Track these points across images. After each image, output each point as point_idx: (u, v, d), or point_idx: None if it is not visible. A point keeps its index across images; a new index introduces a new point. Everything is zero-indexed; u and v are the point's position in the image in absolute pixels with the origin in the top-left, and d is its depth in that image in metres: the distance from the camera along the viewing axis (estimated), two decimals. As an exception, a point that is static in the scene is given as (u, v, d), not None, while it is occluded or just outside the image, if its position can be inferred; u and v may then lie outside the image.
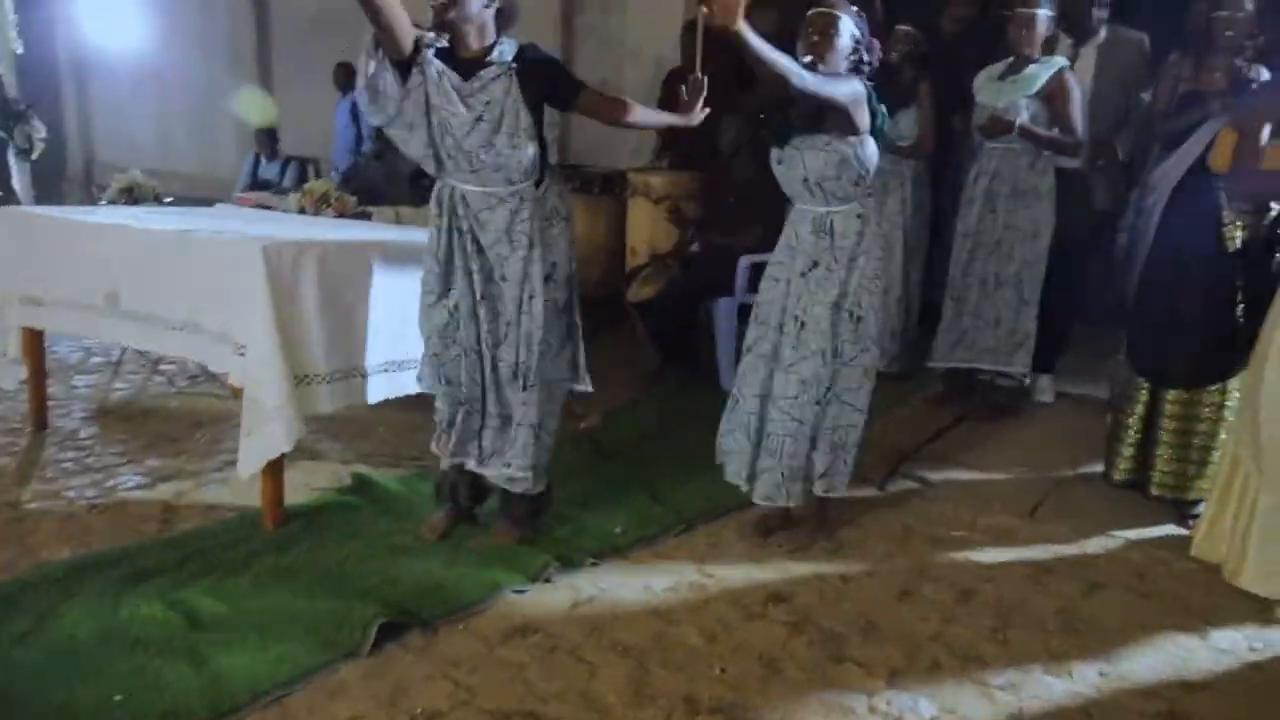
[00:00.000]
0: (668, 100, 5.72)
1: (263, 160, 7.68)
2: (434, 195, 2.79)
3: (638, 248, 5.19)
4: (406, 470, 3.58)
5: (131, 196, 5.81)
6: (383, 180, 6.02)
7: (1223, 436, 3.07)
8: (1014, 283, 4.00)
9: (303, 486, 3.34)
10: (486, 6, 2.61)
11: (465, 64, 2.63)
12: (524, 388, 2.78)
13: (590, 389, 3.02)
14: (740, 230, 4.45)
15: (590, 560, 2.87)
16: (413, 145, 2.67)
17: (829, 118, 2.73)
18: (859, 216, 2.83)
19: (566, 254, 2.83)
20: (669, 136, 5.55)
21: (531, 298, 2.73)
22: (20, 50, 6.13)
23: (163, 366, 4.80)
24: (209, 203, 6.39)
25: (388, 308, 3.11)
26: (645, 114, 2.98)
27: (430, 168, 2.73)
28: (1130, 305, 3.24)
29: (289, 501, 3.12)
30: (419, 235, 3.28)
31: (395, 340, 3.15)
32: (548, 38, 6.57)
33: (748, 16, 2.29)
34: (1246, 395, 2.84)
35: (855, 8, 2.82)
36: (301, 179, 7.41)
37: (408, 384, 3.21)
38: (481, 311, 2.76)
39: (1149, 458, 3.17)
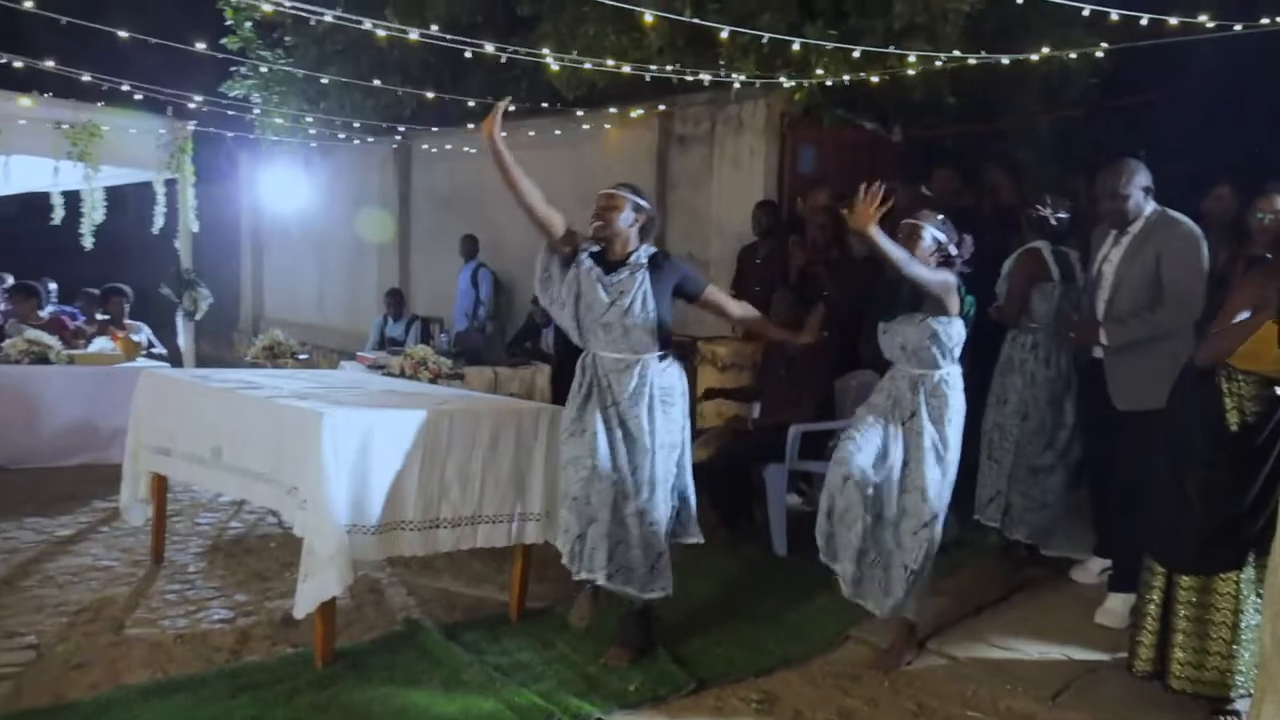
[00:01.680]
0: (742, 270, 6.13)
1: (390, 319, 8.50)
2: (579, 360, 3.54)
3: (705, 412, 5.47)
4: (460, 617, 3.87)
5: (272, 353, 6.63)
6: (483, 345, 6.61)
7: (1247, 626, 2.98)
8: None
9: (363, 627, 3.69)
10: (630, 226, 3.47)
11: (612, 264, 3.48)
12: (642, 523, 3.38)
13: (700, 539, 3.67)
14: (793, 402, 4.68)
15: (597, 717, 3.04)
16: (563, 318, 3.54)
17: (926, 300, 3.37)
18: (945, 381, 3.43)
19: (680, 423, 3.52)
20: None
21: (649, 450, 3.39)
22: (196, 229, 7.16)
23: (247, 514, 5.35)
24: (352, 355, 7.17)
25: (434, 469, 3.47)
26: (763, 326, 3.91)
27: (575, 337, 3.54)
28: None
29: (348, 641, 3.46)
30: (482, 401, 3.74)
31: (444, 497, 3.50)
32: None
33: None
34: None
35: (941, 216, 3.53)
36: (425, 337, 8.15)
37: (461, 539, 3.55)
38: (616, 447, 3.40)
39: (1168, 648, 3.10)
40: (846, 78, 6.05)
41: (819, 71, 6.07)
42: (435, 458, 3.47)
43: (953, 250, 3.47)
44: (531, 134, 8.17)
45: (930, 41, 5.96)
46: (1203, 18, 4.35)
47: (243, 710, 2.98)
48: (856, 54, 5.72)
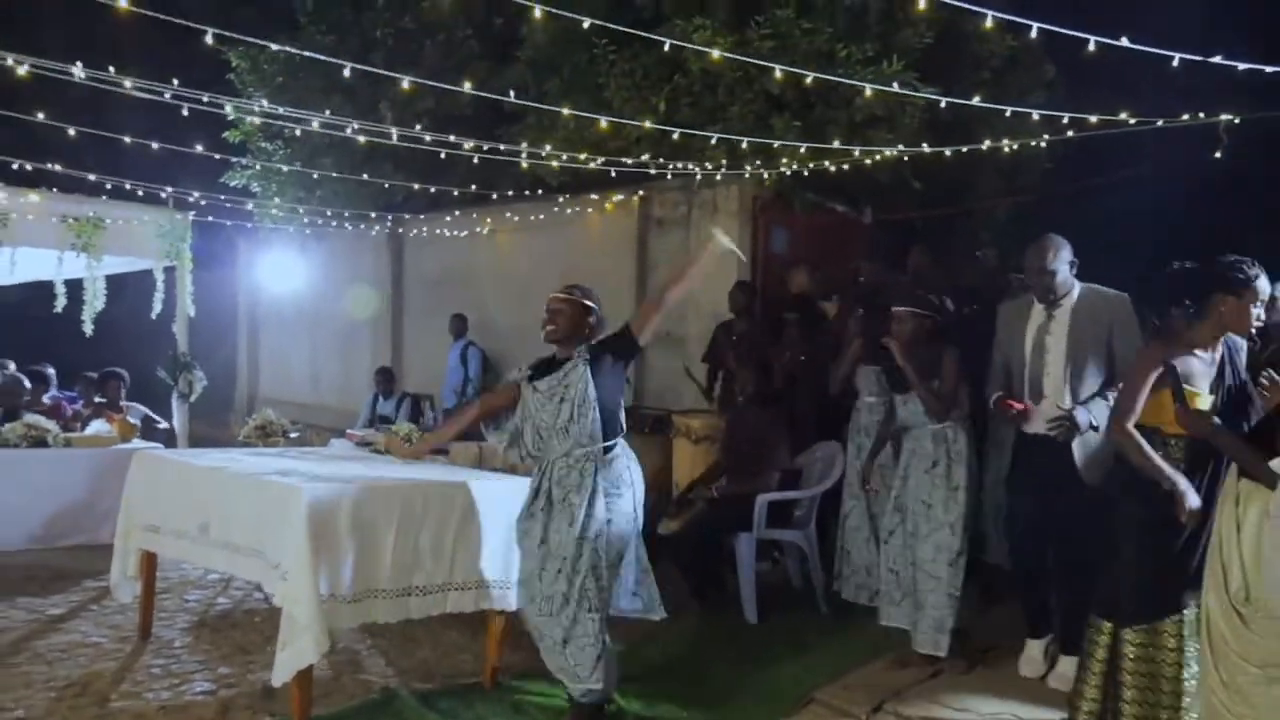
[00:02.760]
0: (716, 343, 6.40)
1: (380, 397, 8.72)
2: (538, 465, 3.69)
3: (681, 483, 5.65)
4: (436, 685, 3.99)
5: (264, 432, 6.82)
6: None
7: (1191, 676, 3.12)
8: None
9: (341, 696, 3.82)
10: (578, 329, 3.61)
11: (558, 364, 3.62)
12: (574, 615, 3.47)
13: (663, 615, 3.78)
14: (758, 473, 4.87)
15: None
16: (526, 436, 3.67)
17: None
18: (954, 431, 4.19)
19: (629, 512, 3.61)
20: (712, 383, 6.14)
21: (584, 540, 3.46)
22: (193, 313, 7.44)
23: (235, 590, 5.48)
24: (342, 433, 7.36)
25: (408, 540, 3.65)
26: (667, 285, 3.82)
27: (537, 452, 3.66)
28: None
29: (326, 709, 3.59)
30: (460, 477, 3.94)
31: (419, 566, 3.67)
32: (624, 293, 7.47)
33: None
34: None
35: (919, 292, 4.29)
36: (415, 415, 8.37)
37: (433, 605, 3.70)
38: (551, 548, 3.51)
39: (1116, 703, 3.22)
40: (811, 165, 6.41)
41: (785, 160, 6.43)
42: (409, 529, 3.65)
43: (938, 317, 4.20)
44: (515, 218, 8.52)
45: (891, 131, 6.33)
46: (1123, 114, 4.71)
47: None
48: (822, 145, 6.08)
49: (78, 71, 5.05)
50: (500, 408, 3.87)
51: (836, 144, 6.12)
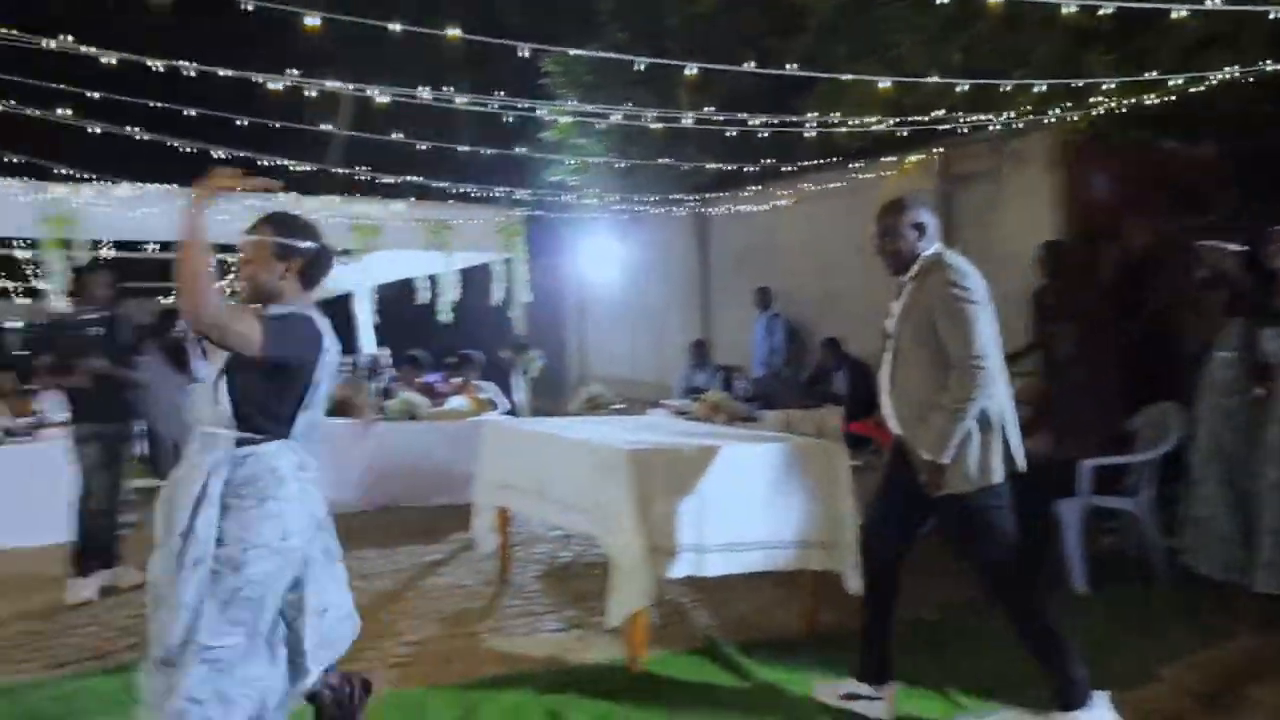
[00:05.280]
0: (1039, 312, 6.01)
1: (694, 369, 9.19)
2: None
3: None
4: (755, 637, 4.25)
5: (592, 404, 7.51)
6: (779, 389, 7.04)
7: None
8: None
9: (669, 642, 4.20)
10: (275, 276, 2.70)
11: None
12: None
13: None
14: (1081, 437, 4.62)
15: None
16: None
17: None
18: None
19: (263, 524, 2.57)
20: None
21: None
22: (529, 299, 8.31)
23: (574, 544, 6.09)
24: (653, 405, 7.92)
25: (729, 499, 3.92)
26: None
27: None
28: None
29: (657, 653, 3.99)
30: (774, 440, 4.16)
31: (733, 525, 3.94)
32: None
33: None
34: None
35: None
36: (726, 385, 8.74)
37: (749, 562, 3.97)
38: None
39: None
40: (1132, 100, 5.86)
41: (1100, 98, 5.93)
42: (731, 488, 3.92)
43: None
44: (813, 188, 8.57)
45: (1233, 50, 5.62)
46: None
47: (572, 702, 3.58)
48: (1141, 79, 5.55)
49: (424, 94, 5.88)
50: None
51: (1155, 75, 5.52)
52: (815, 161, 8.21)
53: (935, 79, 6.06)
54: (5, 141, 6.82)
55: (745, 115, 6.77)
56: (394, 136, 6.89)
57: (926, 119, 6.44)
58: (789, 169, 8.54)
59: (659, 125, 6.87)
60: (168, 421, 6.39)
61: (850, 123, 6.66)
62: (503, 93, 6.67)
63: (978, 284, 3.15)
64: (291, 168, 7.62)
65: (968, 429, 3.07)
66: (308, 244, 2.73)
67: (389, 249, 7.88)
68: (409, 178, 7.95)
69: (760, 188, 9.36)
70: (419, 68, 9.51)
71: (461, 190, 8.37)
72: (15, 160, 6.78)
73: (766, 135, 8.22)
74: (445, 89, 6.40)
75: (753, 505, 3.97)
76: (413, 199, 7.83)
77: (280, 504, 2.56)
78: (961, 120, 6.39)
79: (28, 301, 13.14)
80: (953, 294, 3.09)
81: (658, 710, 3.49)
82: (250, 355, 2.49)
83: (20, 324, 18.12)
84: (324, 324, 2.71)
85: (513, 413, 8.24)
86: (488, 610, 4.83)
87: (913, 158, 7.68)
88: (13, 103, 5.57)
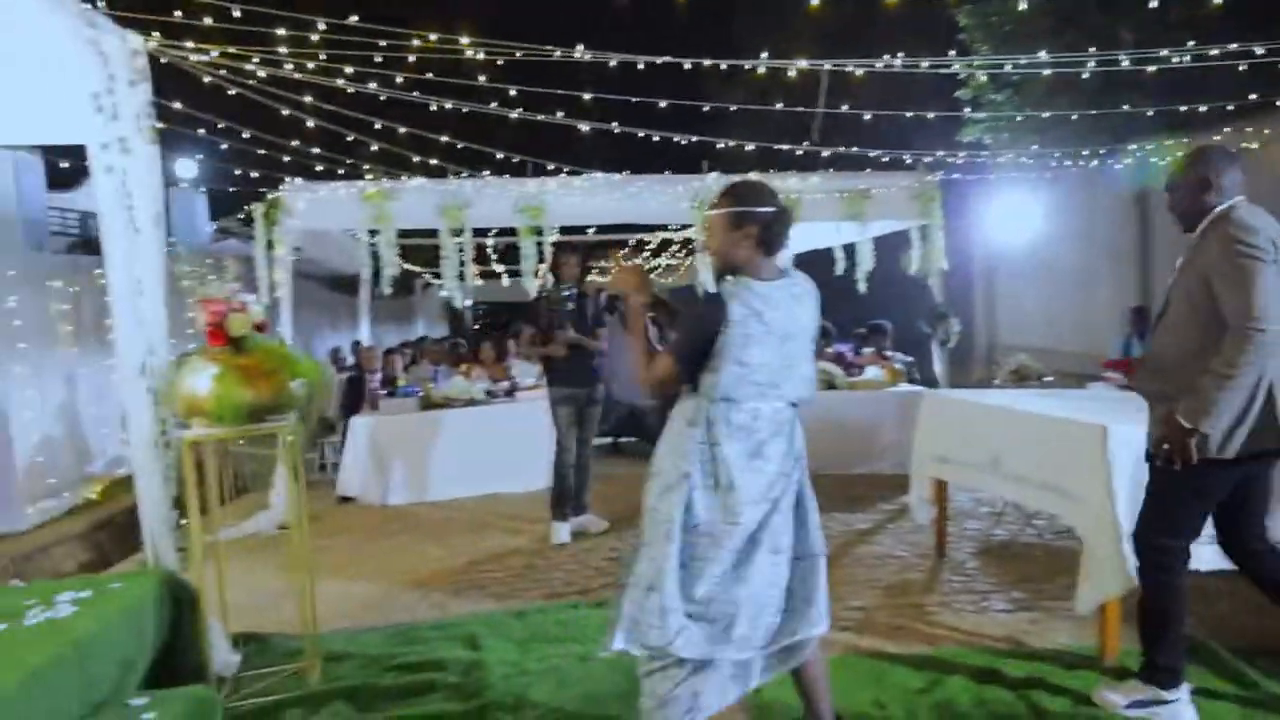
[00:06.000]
0: None
1: (1134, 339, 8.30)
2: None
3: None
4: (1245, 643, 3.79)
5: (1019, 376, 7.11)
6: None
7: None
8: None
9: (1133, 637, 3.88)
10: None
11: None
12: None
13: None
14: None
15: None
16: None
17: None
18: None
19: None
20: None
21: None
22: (946, 267, 8.03)
23: (1035, 521, 5.78)
24: (1084, 377, 7.33)
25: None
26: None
27: None
28: None
29: (1129, 645, 3.70)
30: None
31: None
32: None
33: None
34: None
35: None
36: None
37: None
38: None
39: None
40: None
41: None
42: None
43: None
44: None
45: None
46: None
47: (1042, 684, 3.45)
48: None
49: (827, 64, 5.91)
50: None
51: None
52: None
53: None
54: (492, 141, 8.00)
55: (1215, 47, 5.93)
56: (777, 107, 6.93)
57: None
58: (1260, 104, 7.34)
59: (1094, 69, 6.22)
60: (623, 386, 7.10)
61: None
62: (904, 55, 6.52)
63: (1267, 241, 2.89)
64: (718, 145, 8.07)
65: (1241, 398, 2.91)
66: (761, 209, 2.79)
67: (805, 220, 8.03)
68: (838, 149, 8.04)
69: (1222, 132, 8.16)
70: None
71: (874, 157, 8.29)
72: (510, 159, 7.94)
73: (1222, 75, 7.16)
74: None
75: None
76: (830, 170, 7.90)
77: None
78: None
79: (481, 283, 15.20)
80: (1235, 249, 2.90)
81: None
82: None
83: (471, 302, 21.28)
84: (757, 298, 2.72)
85: (927, 384, 8.04)
86: (929, 584, 4.80)
87: None
88: (521, 110, 6.49)
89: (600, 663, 3.76)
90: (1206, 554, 3.52)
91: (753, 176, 7.85)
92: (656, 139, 7.27)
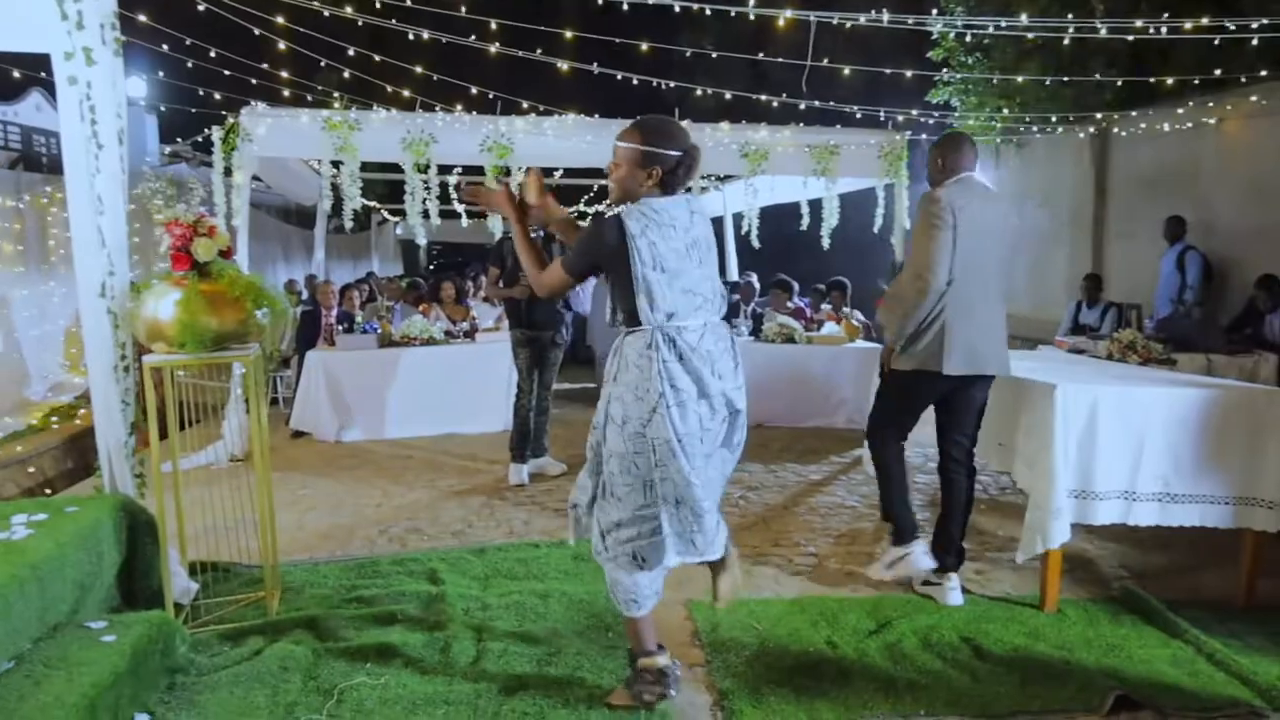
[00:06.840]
0: None
1: (1084, 306, 8.49)
2: None
3: None
4: (1176, 595, 3.97)
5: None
6: (1193, 330, 6.33)
7: None
8: None
9: (1077, 588, 4.05)
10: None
11: None
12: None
13: None
14: None
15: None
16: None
17: None
18: None
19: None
20: None
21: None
22: (909, 226, 8.13)
23: (981, 476, 5.92)
24: (1034, 343, 7.50)
25: (1165, 446, 3.65)
26: None
27: None
28: None
29: (1069, 596, 3.87)
30: (1209, 383, 3.80)
31: (1168, 473, 3.67)
32: None
33: None
34: None
35: None
36: (1119, 324, 8.02)
37: (1183, 516, 3.69)
38: None
39: None
40: None
41: None
42: (1166, 435, 3.65)
43: None
44: (1263, 102, 7.45)
45: None
46: None
47: (985, 631, 3.59)
48: None
49: (812, 16, 5.89)
50: None
51: None
52: (1261, 74, 7.11)
53: None
54: (467, 76, 7.83)
55: (1182, 22, 6.01)
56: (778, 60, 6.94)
57: None
58: (1222, 80, 7.47)
59: (1067, 38, 6.29)
60: (592, 331, 7.10)
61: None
62: (886, 10, 6.52)
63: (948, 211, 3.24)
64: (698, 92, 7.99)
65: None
66: (669, 153, 2.77)
67: (775, 174, 8.03)
68: (813, 102, 8.02)
69: (1188, 105, 8.30)
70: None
71: (846, 113, 8.31)
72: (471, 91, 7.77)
73: (1189, 48, 7.27)
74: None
75: (1191, 454, 3.67)
76: (800, 125, 7.89)
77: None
78: None
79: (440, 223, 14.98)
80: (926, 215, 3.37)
81: (1083, 650, 3.39)
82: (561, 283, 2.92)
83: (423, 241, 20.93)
84: (651, 210, 2.73)
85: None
86: (879, 534, 4.92)
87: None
88: (498, 45, 6.35)
89: (561, 598, 3.82)
90: (1147, 510, 3.70)
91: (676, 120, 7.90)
92: (635, 82, 7.19)
